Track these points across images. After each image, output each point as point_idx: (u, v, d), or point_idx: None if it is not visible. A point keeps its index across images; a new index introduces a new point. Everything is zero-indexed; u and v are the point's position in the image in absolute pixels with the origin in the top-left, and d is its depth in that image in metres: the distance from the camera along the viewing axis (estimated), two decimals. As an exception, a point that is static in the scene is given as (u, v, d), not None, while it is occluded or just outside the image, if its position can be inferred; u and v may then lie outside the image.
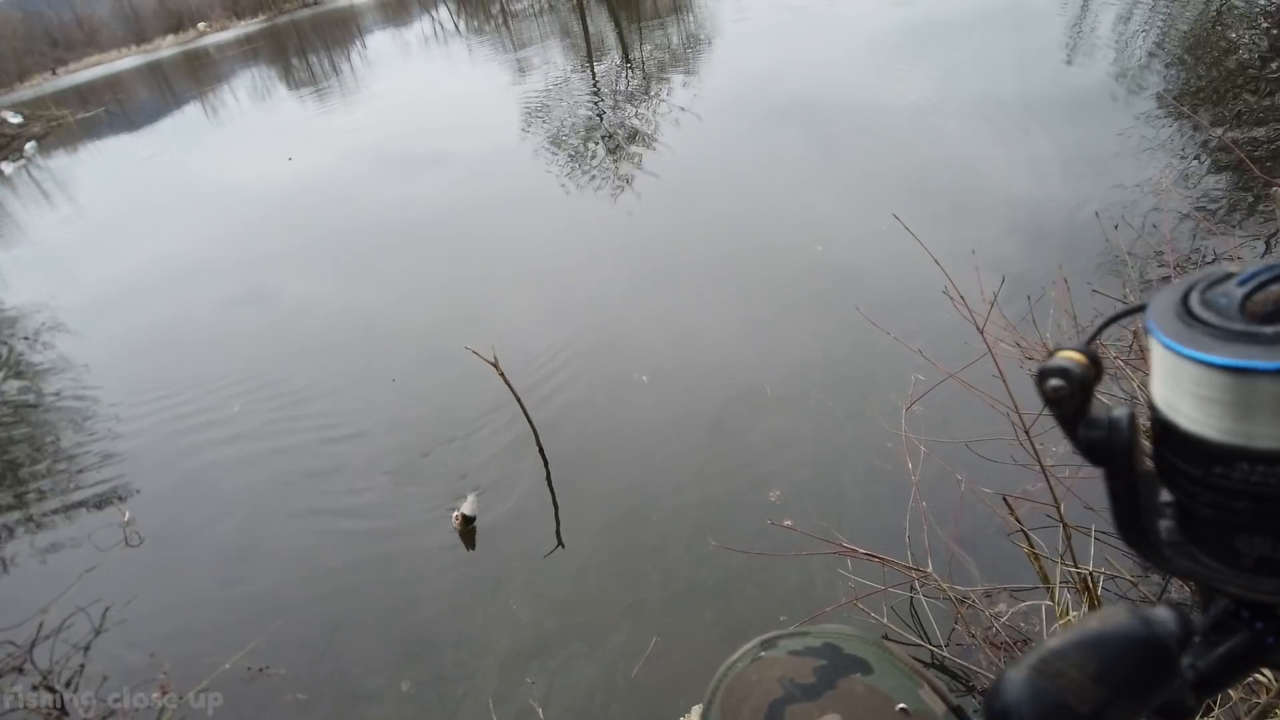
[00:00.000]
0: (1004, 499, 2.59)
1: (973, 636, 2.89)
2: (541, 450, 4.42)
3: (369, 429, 5.02)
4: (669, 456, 4.39)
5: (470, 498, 4.14)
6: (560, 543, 3.92)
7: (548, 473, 4.36)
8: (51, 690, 3.40)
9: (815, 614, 3.16)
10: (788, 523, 3.70)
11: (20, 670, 3.50)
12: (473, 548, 3.79)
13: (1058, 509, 2.24)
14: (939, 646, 2.97)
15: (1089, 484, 3.47)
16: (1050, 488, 2.25)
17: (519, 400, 4.28)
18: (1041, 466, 2.23)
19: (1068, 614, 2.25)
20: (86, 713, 3.27)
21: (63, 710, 3.31)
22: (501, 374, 4.24)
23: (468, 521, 4.01)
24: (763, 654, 0.80)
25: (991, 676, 2.73)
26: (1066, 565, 2.30)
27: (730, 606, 3.43)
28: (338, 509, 4.35)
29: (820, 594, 3.37)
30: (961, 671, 2.89)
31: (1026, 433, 2.16)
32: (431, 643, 3.44)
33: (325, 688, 3.26)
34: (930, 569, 2.90)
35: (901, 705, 0.68)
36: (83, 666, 3.49)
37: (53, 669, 3.49)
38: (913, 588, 3.06)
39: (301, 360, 5.80)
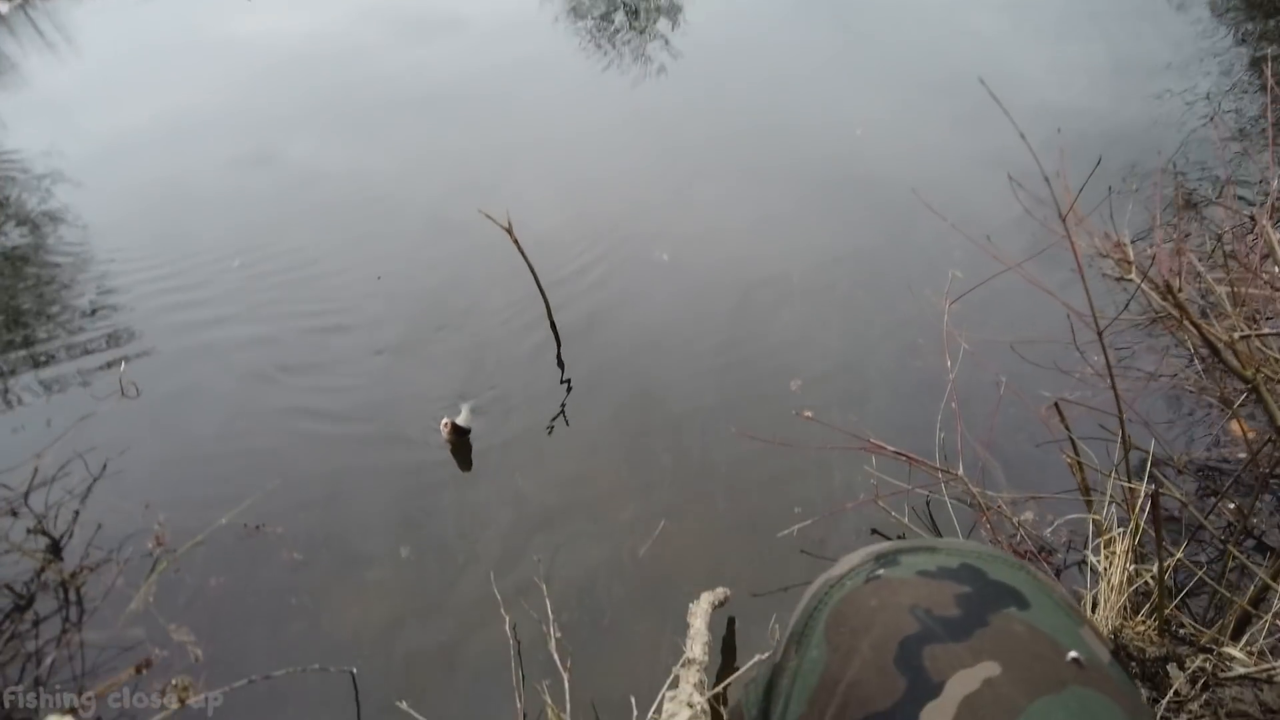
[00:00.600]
0: (1055, 404, 2.40)
1: (996, 543, 2.77)
2: (553, 324, 4.23)
3: (375, 297, 4.82)
4: (687, 338, 4.20)
5: (465, 407, 3.74)
6: (567, 420, 3.78)
7: (559, 348, 4.17)
8: (46, 535, 3.34)
9: (835, 509, 3.03)
10: (808, 413, 3.54)
11: (15, 514, 3.44)
12: (468, 467, 3.53)
13: (1121, 419, 2.05)
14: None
15: (1150, 400, 3.28)
16: (1116, 396, 2.05)
17: (531, 269, 4.05)
18: (1110, 373, 2.02)
19: (1112, 530, 2.10)
20: (82, 559, 3.21)
21: (57, 554, 3.26)
22: (515, 240, 3.99)
23: (459, 433, 3.49)
24: (881, 572, 0.64)
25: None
26: (1120, 479, 2.13)
27: (743, 495, 3.32)
28: (342, 374, 4.20)
29: (838, 488, 3.24)
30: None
31: (1100, 335, 1.93)
32: (433, 511, 3.35)
33: (322, 549, 3.19)
34: (961, 471, 2.74)
35: (1073, 654, 0.55)
36: (77, 513, 3.42)
37: (47, 514, 3.43)
38: (939, 489, 2.91)
39: (306, 222, 5.54)
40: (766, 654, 0.76)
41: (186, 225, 5.58)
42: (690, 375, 3.98)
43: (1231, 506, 2.62)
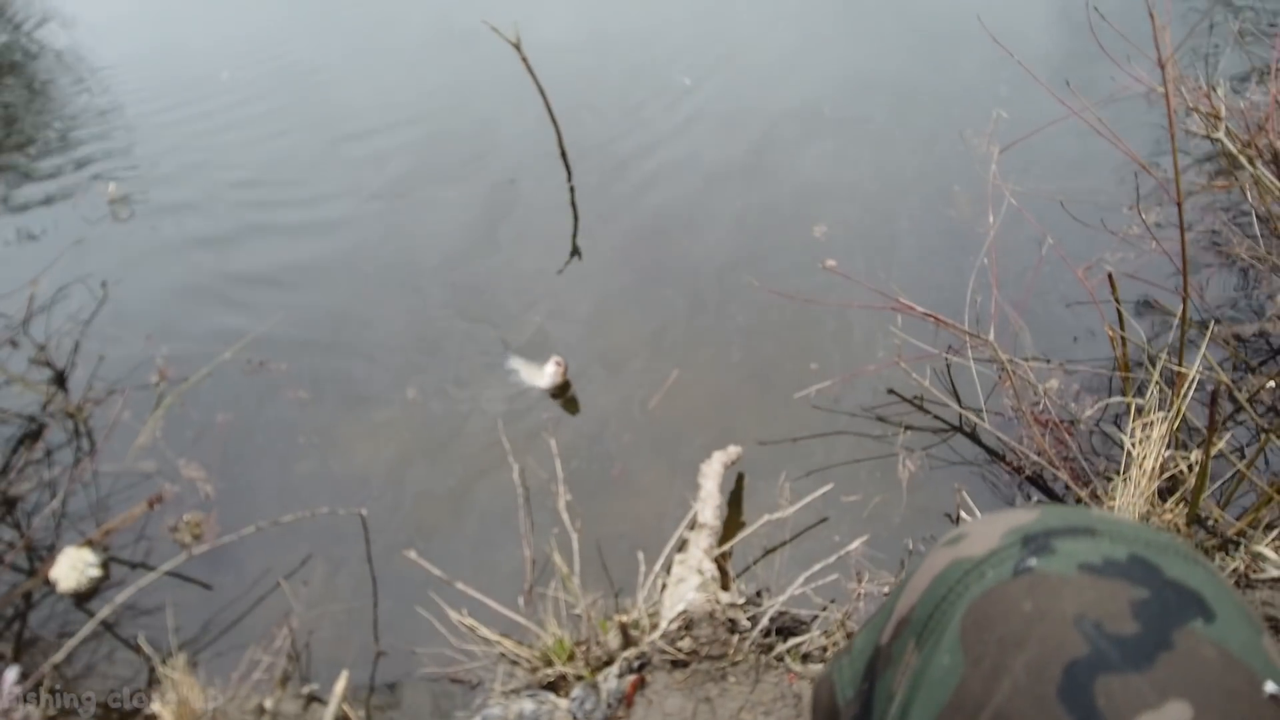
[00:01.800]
0: (1109, 276, 2.22)
1: (1017, 410, 2.69)
2: (564, 153, 3.95)
3: (382, 110, 4.49)
4: (706, 173, 3.93)
5: (514, 359, 3.16)
6: (578, 254, 3.61)
7: (570, 179, 3.92)
8: (50, 366, 3.28)
9: (856, 371, 2.93)
10: (831, 263, 3.36)
11: (14, 344, 3.36)
12: (577, 411, 3.04)
13: (1185, 295, 1.87)
14: (977, 411, 2.78)
15: (1200, 271, 3.07)
16: (1184, 271, 1.86)
17: (541, 90, 3.72)
18: (1184, 245, 1.82)
19: (1154, 412, 1.99)
20: (86, 392, 3.17)
21: (62, 385, 3.22)
22: (523, 57, 3.64)
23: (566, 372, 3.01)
24: (1033, 562, 0.52)
25: (1031, 455, 2.55)
26: (1171, 361, 1.99)
27: (759, 347, 3.21)
28: (346, 203, 3.97)
29: (857, 346, 3.13)
30: (995, 445, 2.73)
31: (1180, 203, 1.72)
32: (438, 350, 3.26)
33: (328, 387, 3.13)
34: (992, 336, 2.61)
35: (1271, 687, 0.45)
36: (78, 344, 3.34)
37: (48, 344, 3.35)
38: (964, 352, 2.79)
39: (303, 28, 5.07)
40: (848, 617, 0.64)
41: (178, 37, 5.14)
42: (709, 213, 3.76)
43: (1271, 385, 2.51)
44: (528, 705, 1.74)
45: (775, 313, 3.24)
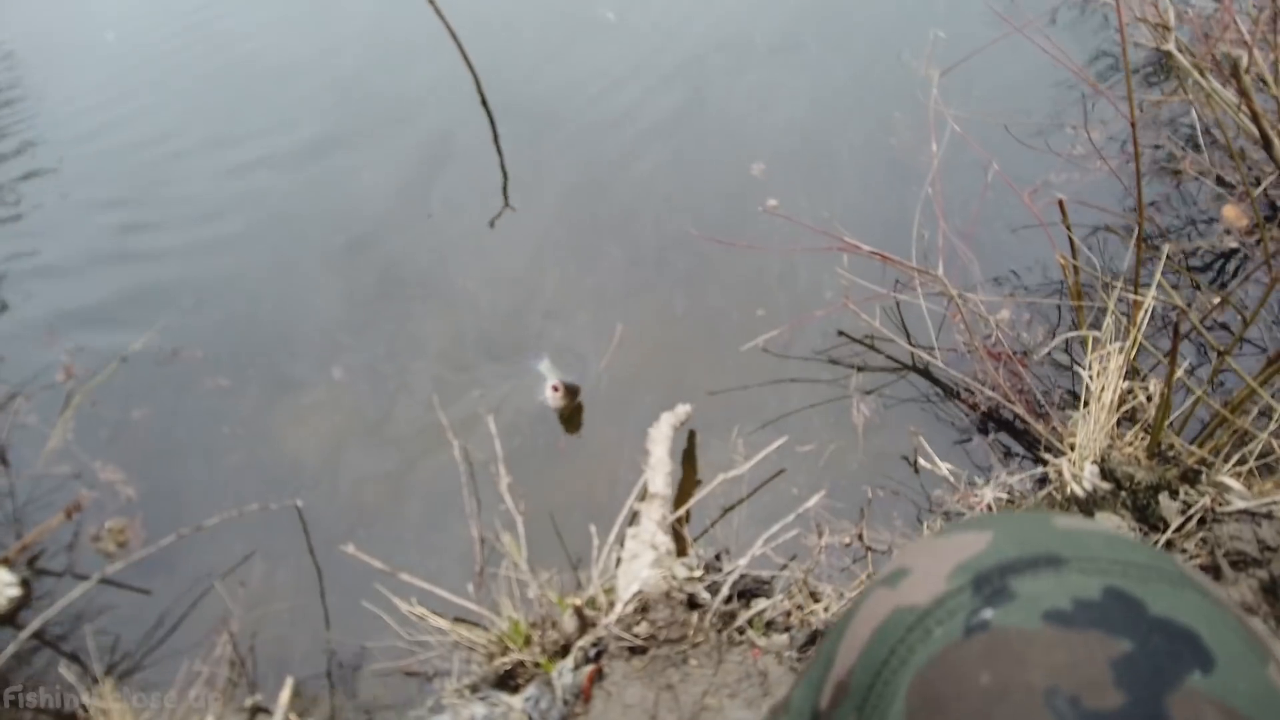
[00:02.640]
0: (1060, 202, 2.12)
1: (970, 345, 2.62)
2: (484, 101, 3.70)
3: (293, 68, 4.15)
4: (635, 113, 3.72)
5: (546, 362, 2.87)
6: (510, 208, 3.40)
7: (493, 128, 3.68)
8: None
9: (803, 317, 2.82)
10: (772, 202, 3.23)
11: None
12: (577, 429, 2.77)
13: (1140, 217, 1.78)
14: (930, 349, 2.70)
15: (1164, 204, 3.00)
16: (1139, 187, 1.76)
17: (452, 33, 3.46)
18: (1138, 170, 1.72)
19: (1110, 344, 1.92)
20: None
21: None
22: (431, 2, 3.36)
23: (572, 393, 2.72)
24: (988, 615, 0.42)
25: (985, 390, 2.49)
26: (1127, 289, 1.91)
27: (703, 296, 3.07)
28: (253, 161, 3.68)
29: (803, 289, 3.01)
30: (949, 381, 2.66)
31: (1134, 125, 1.61)
32: (363, 327, 3.06)
33: (250, 373, 2.93)
34: (940, 271, 2.51)
35: None
36: (-34, 346, 3.07)
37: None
38: (913, 289, 2.70)
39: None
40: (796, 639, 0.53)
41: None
42: (641, 156, 3.57)
43: (1216, 301, 2.46)
44: (479, 709, 1.64)
45: (718, 259, 3.10)
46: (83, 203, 3.61)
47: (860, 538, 2.27)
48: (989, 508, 1.97)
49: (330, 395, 2.86)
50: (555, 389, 2.61)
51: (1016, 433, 2.50)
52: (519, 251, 3.27)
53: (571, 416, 2.78)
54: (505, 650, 2.02)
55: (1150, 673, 0.37)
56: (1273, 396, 1.81)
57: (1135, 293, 1.91)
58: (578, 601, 1.90)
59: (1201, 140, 2.90)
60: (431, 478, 2.62)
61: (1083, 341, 2.23)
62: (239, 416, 2.83)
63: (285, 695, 2.07)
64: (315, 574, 2.48)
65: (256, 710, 2.12)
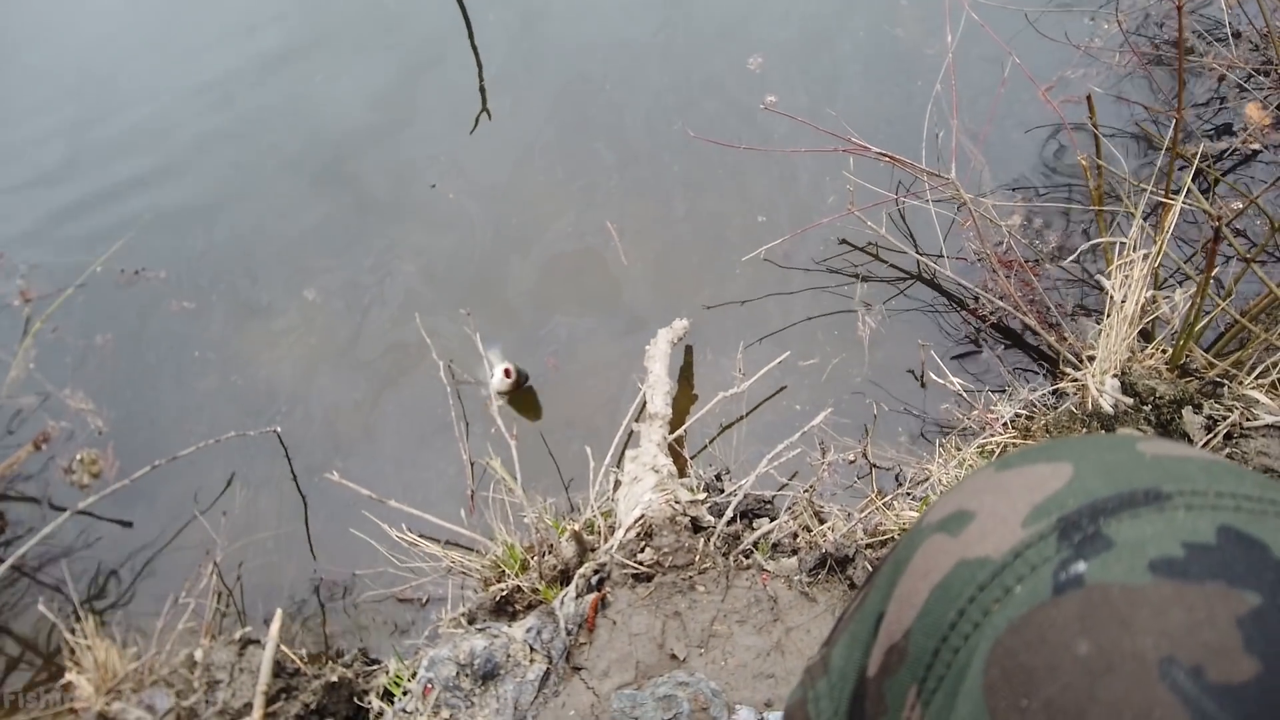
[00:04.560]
0: (1088, 98, 1.96)
1: (981, 253, 2.49)
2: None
3: None
4: (624, 6, 3.46)
5: (496, 353, 2.52)
6: (488, 112, 3.18)
7: (468, 25, 3.41)
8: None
9: (806, 226, 2.67)
10: (771, 99, 3.03)
11: None
12: (538, 416, 2.50)
13: (1179, 106, 1.63)
14: (937, 257, 2.58)
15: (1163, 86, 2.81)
16: (1180, 74, 1.60)
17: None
18: (1180, 46, 1.56)
19: (1134, 251, 1.80)
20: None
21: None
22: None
23: (521, 381, 2.44)
24: (1080, 568, 0.34)
25: (995, 299, 2.38)
26: (1156, 192, 1.78)
27: (700, 201, 2.90)
28: (203, 45, 3.40)
29: (805, 193, 2.86)
30: (958, 291, 2.55)
31: (1180, 7, 1.44)
32: (339, 247, 2.88)
33: (215, 295, 2.76)
34: (953, 174, 2.36)
35: None
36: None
37: None
38: (922, 193, 2.55)
39: None
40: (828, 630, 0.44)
41: None
42: (631, 52, 3.33)
43: (1240, 206, 2.34)
44: (478, 642, 1.57)
45: (714, 159, 2.92)
46: (30, 116, 3.34)
47: (865, 455, 2.19)
48: (1007, 425, 1.89)
49: (304, 317, 2.71)
50: (508, 373, 2.36)
51: (1027, 346, 2.41)
52: (505, 158, 3.07)
53: (525, 402, 2.51)
54: (501, 576, 1.95)
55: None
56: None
57: (1167, 195, 1.78)
58: (575, 526, 1.83)
59: (1229, 32, 2.71)
60: (415, 401, 2.50)
61: (1100, 249, 2.11)
62: (207, 340, 2.69)
63: (275, 627, 2.00)
64: (299, 502, 2.39)
65: (246, 642, 2.07)
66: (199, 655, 2.01)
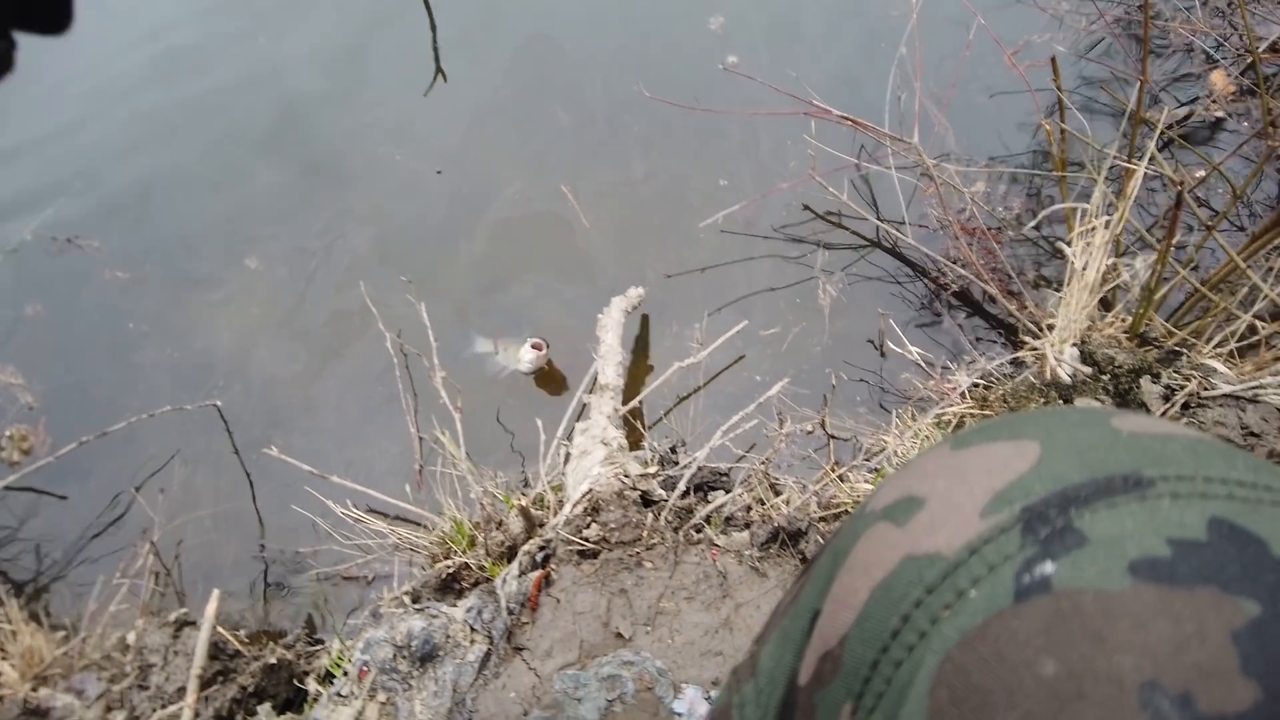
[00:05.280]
0: (1053, 60, 1.90)
1: (943, 220, 2.44)
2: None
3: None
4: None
5: (479, 341, 2.43)
6: (443, 74, 3.06)
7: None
8: None
9: (767, 191, 2.60)
10: (732, 59, 2.94)
11: None
12: (564, 388, 2.38)
13: (1144, 69, 1.58)
14: (899, 224, 2.53)
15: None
16: (1145, 34, 1.55)
17: None
18: (1145, 15, 1.50)
19: (1097, 217, 1.75)
20: None
21: None
22: None
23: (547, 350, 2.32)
24: (1048, 569, 0.28)
25: (957, 268, 2.34)
26: (1119, 157, 1.73)
27: (663, 162, 2.82)
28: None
29: (767, 158, 2.79)
30: (919, 260, 2.50)
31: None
32: (283, 215, 2.76)
33: (150, 266, 2.63)
34: (916, 139, 2.30)
35: None
36: None
37: None
38: (885, 159, 2.49)
39: None
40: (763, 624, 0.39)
41: None
42: (590, 12, 3.22)
43: (1201, 174, 2.31)
44: (416, 623, 1.51)
45: (675, 121, 2.83)
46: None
47: (823, 425, 2.15)
48: (964, 395, 1.85)
49: (245, 286, 2.60)
50: (537, 347, 2.24)
51: (988, 315, 2.37)
52: (459, 121, 2.95)
53: (552, 376, 2.40)
54: (448, 553, 1.89)
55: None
56: (1257, 275, 1.68)
57: (1130, 161, 1.73)
58: (523, 501, 1.76)
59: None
60: (360, 373, 2.41)
61: (1063, 217, 2.07)
62: (143, 312, 2.56)
63: (211, 608, 1.92)
64: (239, 478, 2.30)
65: (182, 624, 1.98)
66: (131, 638, 1.93)
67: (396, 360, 2.29)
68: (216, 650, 1.93)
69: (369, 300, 2.36)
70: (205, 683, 1.86)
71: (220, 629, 1.93)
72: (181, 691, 1.86)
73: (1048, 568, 0.28)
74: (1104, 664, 0.25)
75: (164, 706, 1.85)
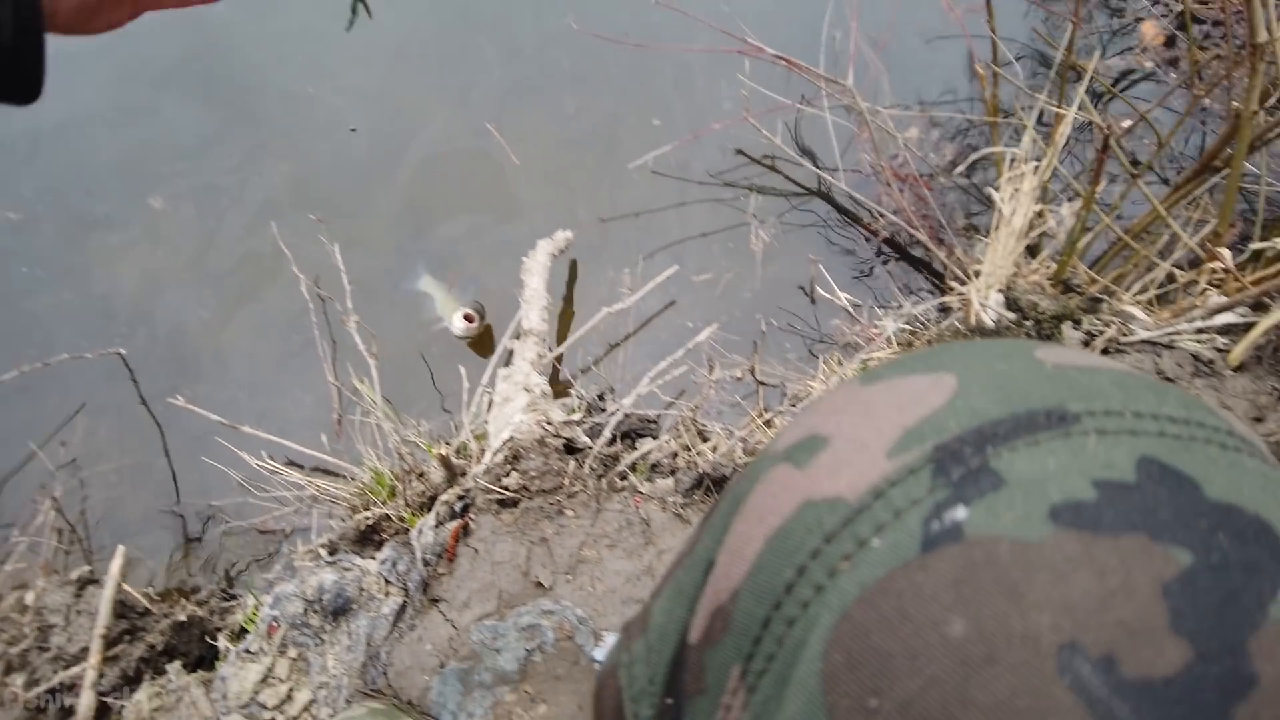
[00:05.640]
0: (987, 2, 1.86)
1: (876, 166, 2.42)
2: None
3: None
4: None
5: (424, 279, 2.30)
6: (366, 8, 2.88)
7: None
8: None
9: (699, 132, 2.53)
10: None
11: None
12: (490, 352, 2.11)
13: (1075, 17, 1.56)
14: (833, 170, 2.50)
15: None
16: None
17: None
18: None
19: (1025, 164, 1.75)
20: None
21: None
22: None
23: (482, 316, 2.22)
24: (960, 515, 0.25)
25: (889, 214, 2.33)
26: (1050, 102, 1.72)
27: (594, 99, 2.72)
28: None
29: (701, 97, 2.71)
30: (852, 206, 2.48)
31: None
32: (190, 153, 2.59)
33: (43, 207, 2.45)
34: (850, 81, 2.26)
35: None
36: None
37: None
38: (819, 102, 2.44)
39: None
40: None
41: None
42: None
43: (1127, 124, 2.33)
44: (328, 576, 1.46)
45: (607, 57, 2.73)
46: None
47: (752, 372, 2.13)
48: (890, 340, 1.85)
49: (149, 228, 2.44)
50: (469, 319, 2.13)
51: (918, 262, 2.37)
52: (380, 55, 2.79)
53: (484, 341, 2.28)
54: (368, 504, 1.84)
55: (1221, 602, 0.22)
56: (1177, 224, 1.70)
57: (1059, 106, 1.72)
58: (444, 450, 1.71)
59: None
60: (273, 319, 2.30)
61: (994, 163, 2.06)
62: (36, 255, 2.39)
63: (115, 565, 1.83)
64: (146, 430, 2.19)
65: (85, 583, 1.89)
66: (30, 599, 1.83)
67: (312, 306, 2.19)
68: (124, 609, 1.85)
69: (281, 243, 2.24)
70: (111, 642, 1.79)
71: (127, 586, 1.85)
72: (85, 652, 1.79)
73: (960, 513, 0.25)
74: (1019, 623, 0.22)
75: (66, 668, 1.78)
